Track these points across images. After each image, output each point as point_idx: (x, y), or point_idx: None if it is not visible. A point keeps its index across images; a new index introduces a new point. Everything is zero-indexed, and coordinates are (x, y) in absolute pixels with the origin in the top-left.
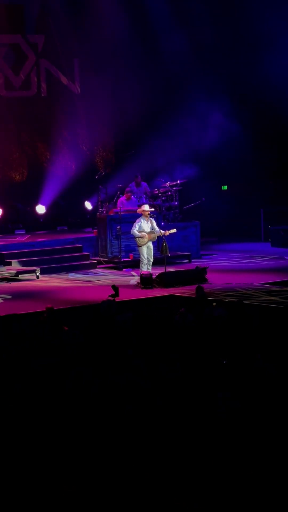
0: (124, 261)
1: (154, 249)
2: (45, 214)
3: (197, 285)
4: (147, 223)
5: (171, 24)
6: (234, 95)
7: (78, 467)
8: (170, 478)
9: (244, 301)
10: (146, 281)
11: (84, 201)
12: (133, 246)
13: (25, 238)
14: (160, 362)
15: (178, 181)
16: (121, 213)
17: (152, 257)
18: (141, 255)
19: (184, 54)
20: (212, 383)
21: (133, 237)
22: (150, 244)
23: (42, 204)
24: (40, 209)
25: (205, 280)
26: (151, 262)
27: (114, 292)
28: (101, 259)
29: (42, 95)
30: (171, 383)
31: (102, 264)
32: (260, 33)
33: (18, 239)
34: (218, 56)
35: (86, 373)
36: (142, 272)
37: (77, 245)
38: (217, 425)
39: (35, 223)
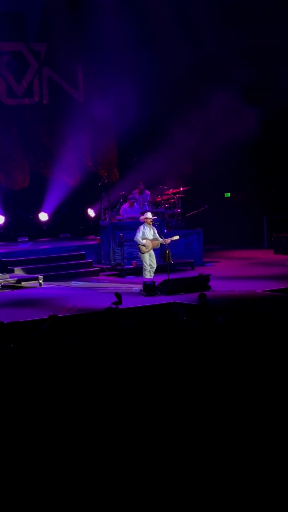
0: (127, 268)
1: (157, 257)
2: (48, 221)
3: (199, 293)
4: (150, 230)
5: (175, 33)
6: (238, 103)
7: (77, 468)
8: (169, 479)
9: (247, 309)
10: (149, 288)
11: (87, 208)
12: (136, 254)
13: (27, 246)
14: (161, 368)
15: (181, 189)
16: (124, 220)
17: (155, 263)
18: (144, 262)
19: (187, 62)
20: (212, 389)
21: (136, 244)
22: (152, 251)
23: (45, 211)
24: (43, 216)
25: (208, 288)
26: (154, 269)
27: (117, 300)
28: (104, 266)
29: (45, 102)
30: (172, 388)
31: (105, 271)
32: (271, 45)
33: (20, 246)
34: (221, 64)
35: (86, 373)
36: (145, 280)
37: (80, 252)
38: (216, 430)
39: (37, 231)
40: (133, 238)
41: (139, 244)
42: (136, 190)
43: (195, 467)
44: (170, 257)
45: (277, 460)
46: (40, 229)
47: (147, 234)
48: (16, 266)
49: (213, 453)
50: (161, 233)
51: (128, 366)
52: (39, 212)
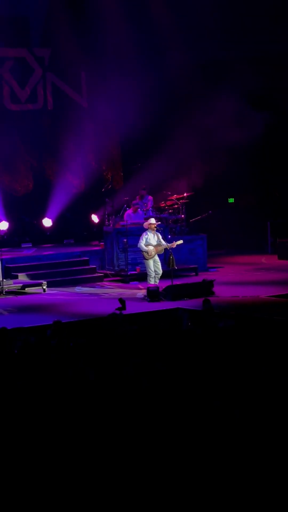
0: (130, 274)
1: (161, 262)
2: (52, 227)
3: (204, 298)
4: (153, 236)
5: (178, 37)
6: (241, 107)
7: (76, 466)
8: (169, 478)
9: (250, 314)
10: (153, 294)
11: (91, 214)
12: (139, 259)
13: (31, 252)
14: (161, 368)
15: (185, 194)
16: (128, 226)
17: (161, 270)
18: (148, 269)
19: (191, 66)
20: (212, 389)
21: (140, 250)
22: (157, 257)
23: (49, 217)
24: (47, 222)
25: (212, 293)
26: (159, 275)
27: (121, 305)
28: (108, 272)
29: (49, 108)
30: (172, 388)
31: (109, 277)
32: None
33: (24, 252)
34: (225, 69)
35: (86, 373)
36: (149, 285)
37: (84, 258)
38: (216, 430)
39: (41, 236)
40: (137, 244)
41: (142, 251)
42: (138, 196)
43: (194, 466)
44: (174, 263)
45: (277, 460)
46: (44, 235)
47: (150, 240)
48: (20, 272)
49: (213, 452)
50: (165, 239)
51: (128, 366)
52: (43, 218)
